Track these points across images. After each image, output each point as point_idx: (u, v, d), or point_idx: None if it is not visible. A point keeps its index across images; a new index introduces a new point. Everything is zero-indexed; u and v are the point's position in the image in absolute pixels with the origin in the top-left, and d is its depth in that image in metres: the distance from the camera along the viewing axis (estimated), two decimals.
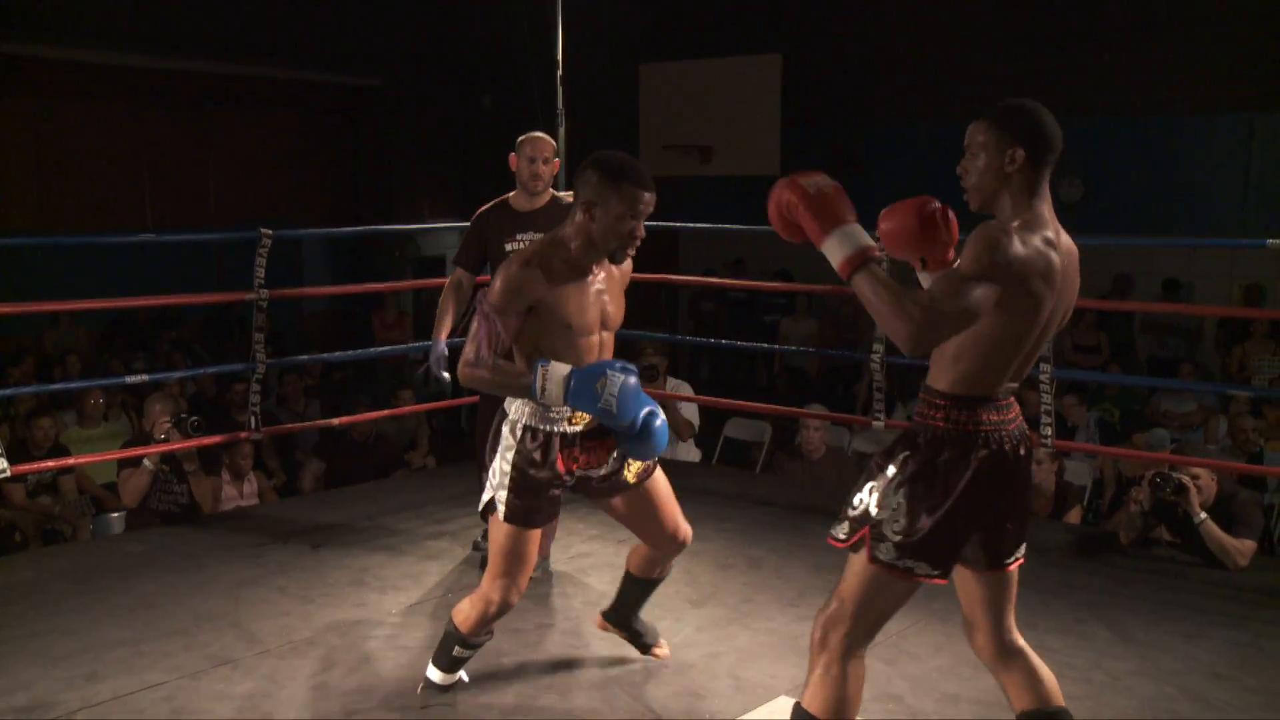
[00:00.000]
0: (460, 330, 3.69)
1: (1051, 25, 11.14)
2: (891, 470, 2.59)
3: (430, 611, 4.22)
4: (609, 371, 3.05)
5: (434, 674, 3.48)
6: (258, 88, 12.67)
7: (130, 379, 5.88)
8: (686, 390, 6.94)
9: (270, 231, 5.39)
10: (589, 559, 4.85)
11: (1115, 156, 11.08)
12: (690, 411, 6.82)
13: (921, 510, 2.54)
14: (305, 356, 7.62)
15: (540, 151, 4.56)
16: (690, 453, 6.95)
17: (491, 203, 4.66)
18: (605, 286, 3.24)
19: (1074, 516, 6.02)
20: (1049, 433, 5.24)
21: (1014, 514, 2.68)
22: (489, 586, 3.23)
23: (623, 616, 3.73)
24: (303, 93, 13.13)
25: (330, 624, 4.08)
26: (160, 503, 5.64)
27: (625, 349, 8.19)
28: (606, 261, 3.21)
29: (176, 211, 12.37)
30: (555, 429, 3.17)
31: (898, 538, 2.55)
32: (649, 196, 3.08)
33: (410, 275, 13.12)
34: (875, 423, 5.70)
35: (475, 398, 9.84)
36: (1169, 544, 5.04)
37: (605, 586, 4.47)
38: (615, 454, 3.26)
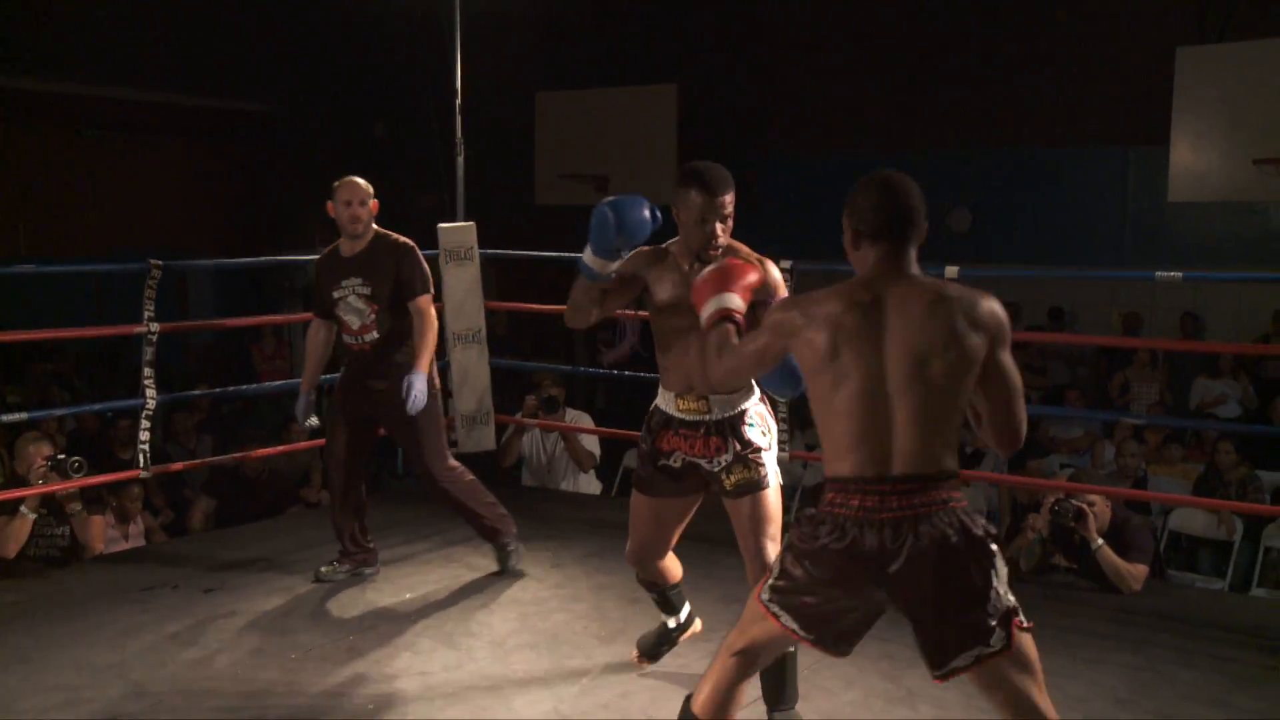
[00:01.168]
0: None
1: (937, 60, 11.40)
2: (790, 530, 2.67)
3: (330, 655, 4.06)
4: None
5: (665, 618, 3.89)
6: (142, 112, 12.34)
7: (7, 417, 5.58)
8: (586, 421, 6.87)
9: (160, 263, 5.19)
10: (491, 595, 4.72)
11: (1001, 187, 11.35)
12: (591, 443, 6.75)
13: (789, 565, 2.59)
14: (198, 391, 7.38)
15: (355, 195, 4.61)
16: (591, 484, 6.88)
17: (327, 249, 4.77)
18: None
19: None
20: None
21: (922, 612, 2.49)
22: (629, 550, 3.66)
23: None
24: (190, 118, 12.82)
25: (226, 672, 3.90)
26: (38, 548, 5.31)
27: (522, 380, 8.11)
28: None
29: (53, 240, 11.94)
30: (663, 408, 3.46)
31: (777, 583, 2.62)
32: (718, 200, 3.24)
33: (300, 306, 12.84)
34: (779, 453, 5.66)
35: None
36: (1066, 570, 5.10)
37: (509, 625, 4.35)
38: (720, 455, 3.36)
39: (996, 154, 11.34)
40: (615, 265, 3.35)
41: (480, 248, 6.26)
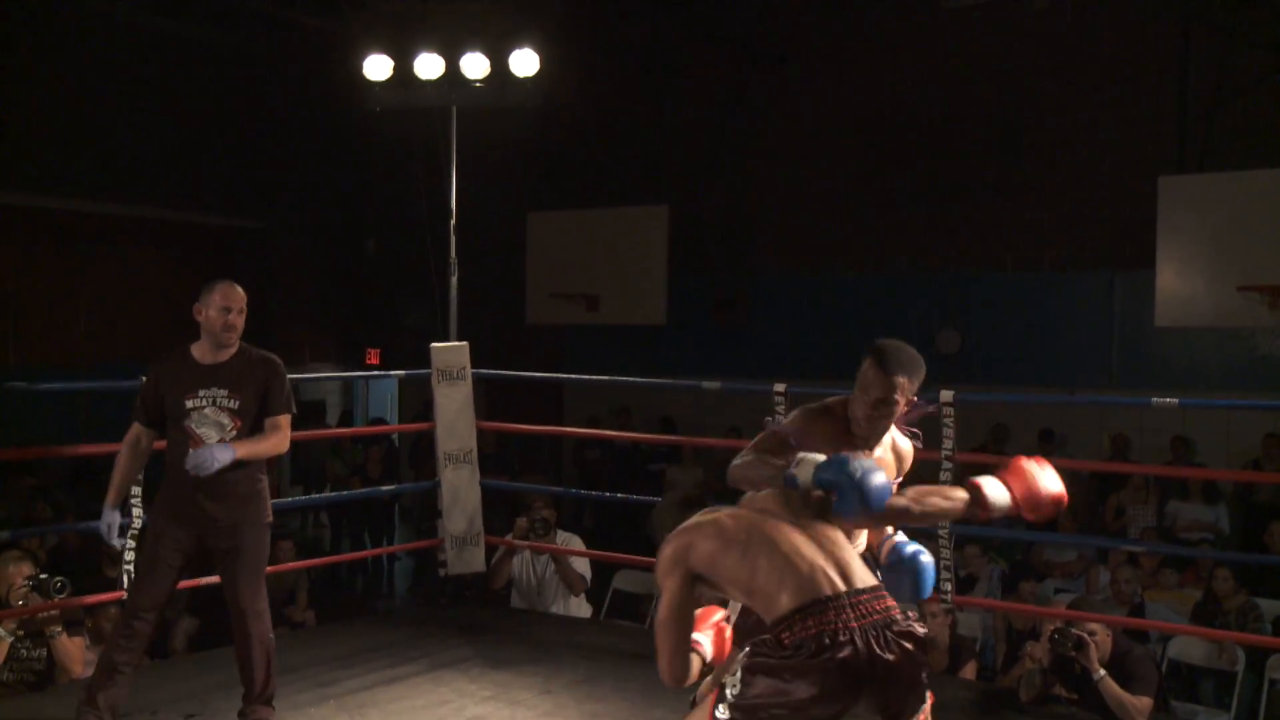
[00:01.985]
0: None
1: (926, 183, 11.59)
2: (750, 648, 2.84)
3: None
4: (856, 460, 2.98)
5: None
6: (132, 227, 12.43)
7: None
8: (577, 543, 6.79)
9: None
10: None
11: (989, 310, 11.44)
12: (582, 565, 6.66)
13: (754, 683, 2.74)
14: None
15: (236, 301, 4.30)
16: (582, 608, 6.76)
17: (170, 353, 4.36)
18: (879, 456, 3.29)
19: (969, 671, 5.96)
20: (949, 588, 5.22)
21: (887, 697, 2.75)
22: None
23: None
24: (180, 233, 12.92)
25: None
26: (13, 672, 5.16)
27: (509, 500, 8.04)
28: (893, 440, 3.36)
29: (43, 353, 11.91)
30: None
31: (739, 701, 2.76)
32: (889, 382, 3.17)
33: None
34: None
35: (357, 554, 9.50)
36: (1067, 700, 5.01)
37: None
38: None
39: (984, 277, 11.45)
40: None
41: (472, 367, 6.25)
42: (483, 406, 7.55)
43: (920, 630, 2.80)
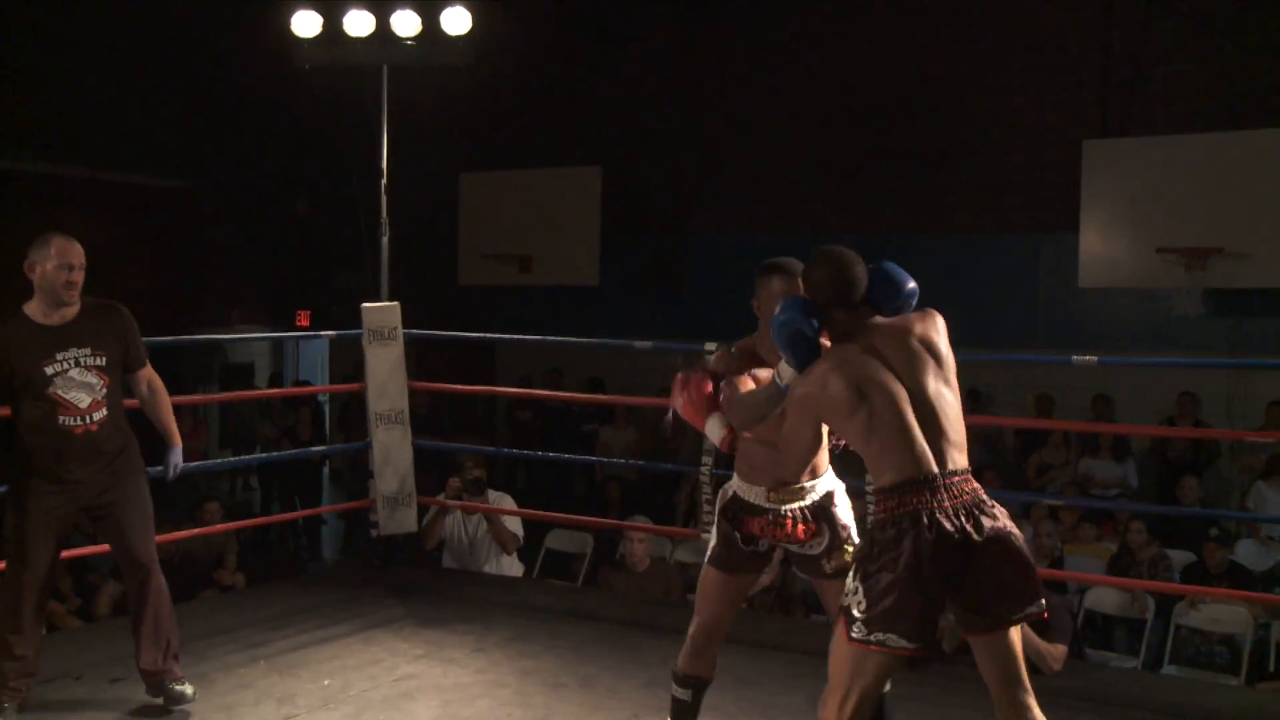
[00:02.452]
0: None
1: (858, 148, 11.67)
2: (857, 564, 2.97)
3: None
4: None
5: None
6: (56, 187, 12.14)
7: None
8: (509, 503, 6.82)
9: None
10: (413, 681, 4.63)
11: (918, 272, 11.52)
12: (514, 524, 6.69)
13: (875, 588, 2.85)
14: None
15: (77, 257, 4.04)
16: (514, 567, 6.80)
17: (9, 320, 4.04)
18: None
19: None
20: (707, 519, 5.35)
21: (989, 578, 2.86)
22: (693, 624, 3.67)
23: None
24: (106, 194, 12.65)
25: None
26: None
27: (443, 461, 8.04)
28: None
29: None
30: (748, 498, 3.55)
31: (863, 615, 2.87)
32: (796, 284, 3.41)
33: (217, 386, 12.66)
34: (704, 535, 5.66)
35: (288, 514, 9.41)
36: None
37: (431, 712, 4.28)
38: (815, 539, 3.51)
39: (915, 240, 11.57)
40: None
41: (403, 328, 6.22)
42: (415, 368, 7.53)
43: (1001, 515, 2.91)
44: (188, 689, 4.19)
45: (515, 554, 6.77)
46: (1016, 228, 11.14)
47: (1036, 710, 2.96)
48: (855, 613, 2.88)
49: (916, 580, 2.82)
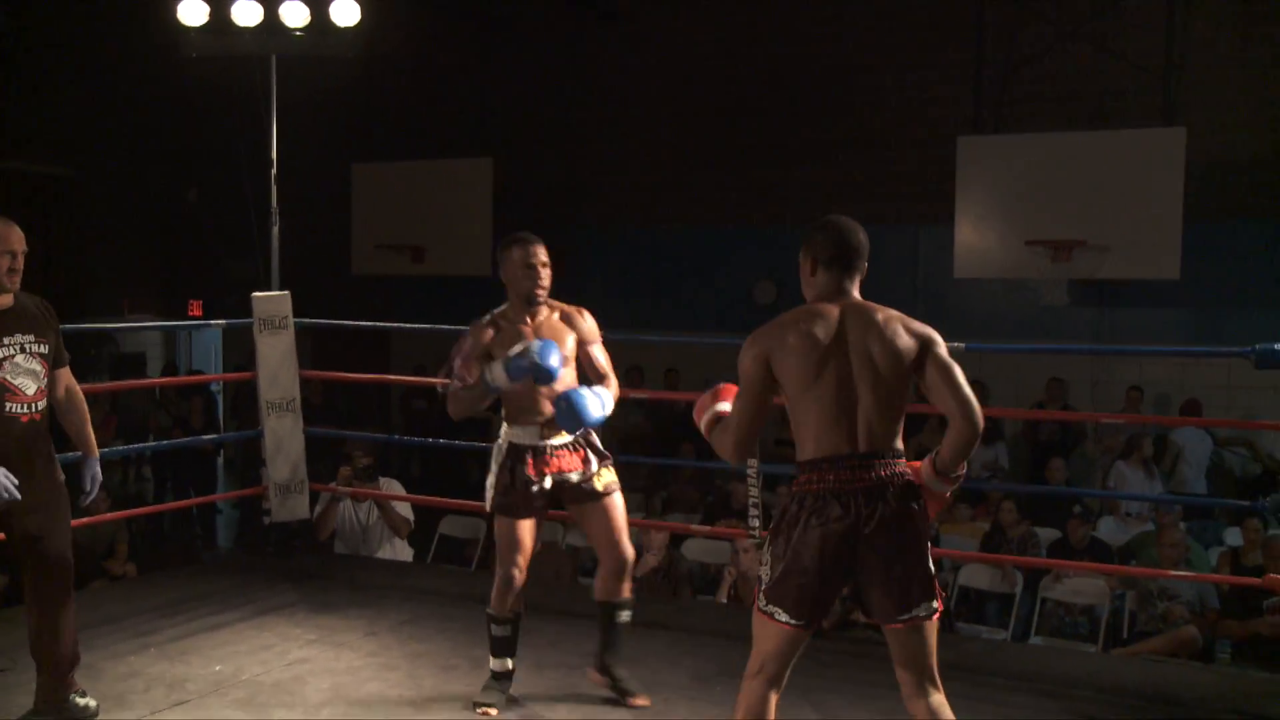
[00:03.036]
0: None
1: (743, 141, 11.84)
2: (768, 535, 3.06)
3: None
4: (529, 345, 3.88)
5: (491, 663, 4.22)
6: None
7: None
8: (398, 488, 6.82)
9: None
10: (305, 665, 4.62)
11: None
12: (405, 509, 6.69)
13: (776, 562, 2.96)
14: None
15: (20, 242, 3.87)
16: (405, 552, 6.80)
17: None
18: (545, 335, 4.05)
19: None
20: (755, 524, 5.43)
21: (878, 573, 2.92)
22: (497, 571, 4.10)
23: (603, 661, 4.23)
24: None
25: None
26: None
27: (339, 450, 7.97)
28: (547, 312, 4.14)
29: None
30: (525, 442, 4.04)
31: (765, 585, 2.98)
32: (534, 249, 4.05)
33: (107, 375, 12.35)
34: (751, 534, 5.69)
35: (177, 503, 9.25)
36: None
37: (323, 695, 4.28)
38: (586, 465, 4.08)
39: (794, 230, 11.74)
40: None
41: (296, 317, 6.18)
42: (311, 358, 7.46)
43: (916, 505, 2.95)
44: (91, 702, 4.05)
45: (407, 540, 6.77)
46: (897, 219, 11.39)
47: (940, 700, 3.01)
48: (763, 580, 2.98)
49: (808, 561, 2.89)
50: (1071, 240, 9.48)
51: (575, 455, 4.07)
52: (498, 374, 3.84)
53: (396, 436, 10.49)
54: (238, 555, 8.26)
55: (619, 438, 10.65)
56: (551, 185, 12.58)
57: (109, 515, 6.98)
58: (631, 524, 7.37)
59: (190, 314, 13.47)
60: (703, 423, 3.24)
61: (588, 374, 4.15)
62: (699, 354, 10.69)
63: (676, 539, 7.37)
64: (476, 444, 10.30)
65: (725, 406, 3.19)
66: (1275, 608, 6.02)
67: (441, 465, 11.18)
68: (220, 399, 12.36)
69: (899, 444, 3.00)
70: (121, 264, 13.55)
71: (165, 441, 10.52)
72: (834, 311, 3.04)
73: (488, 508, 4.12)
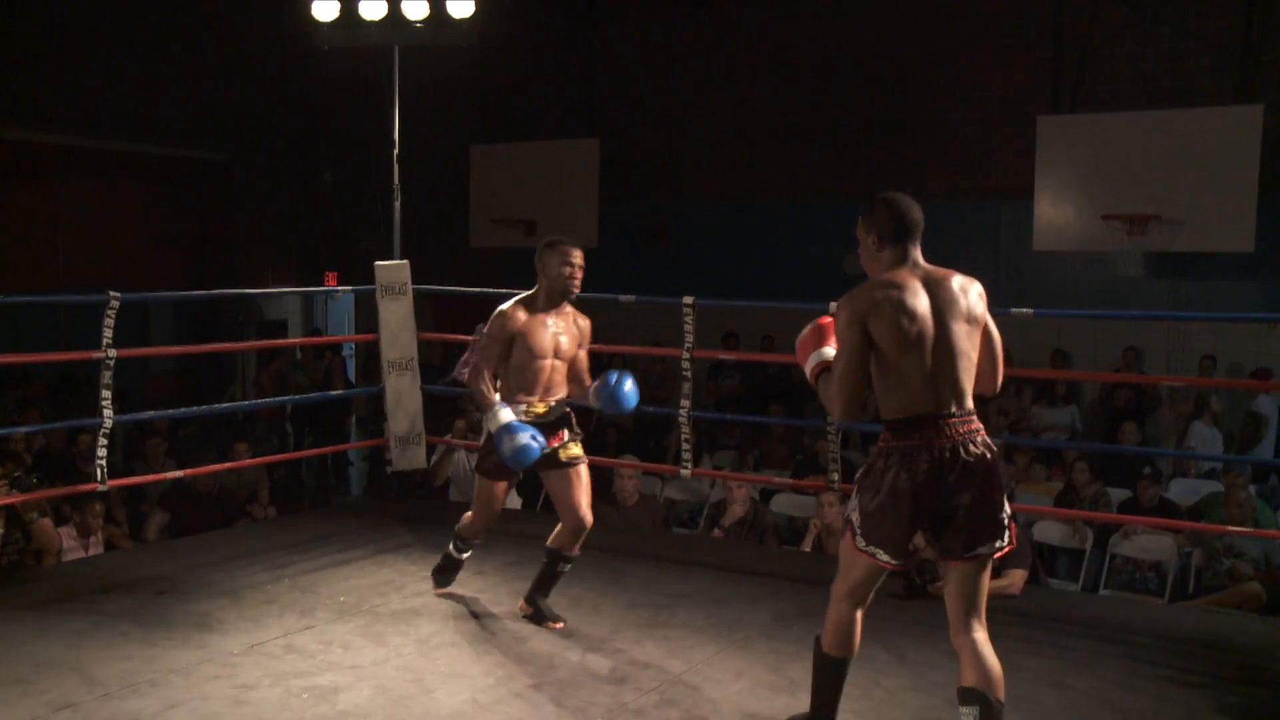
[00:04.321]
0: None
1: (832, 121, 11.71)
2: (856, 482, 3.13)
3: (270, 651, 4.08)
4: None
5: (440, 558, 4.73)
6: (106, 160, 12.19)
7: None
8: None
9: (118, 294, 5.17)
10: (419, 599, 4.76)
11: None
12: None
13: (867, 507, 3.05)
14: (152, 412, 7.32)
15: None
16: (513, 500, 6.90)
17: None
18: (560, 329, 4.33)
19: None
20: (835, 476, 5.43)
21: (957, 514, 2.97)
22: (470, 517, 4.57)
23: (533, 595, 4.49)
24: (150, 165, 12.69)
25: (173, 666, 3.91)
26: (2, 556, 5.27)
27: (454, 406, 8.13)
28: (567, 307, 4.36)
29: (25, 277, 11.71)
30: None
31: (859, 527, 3.08)
32: (576, 253, 4.25)
33: (254, 336, 12.76)
34: (683, 471, 5.78)
35: (314, 450, 9.52)
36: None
37: (434, 625, 4.39)
38: (562, 440, 4.32)
39: None
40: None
41: (417, 285, 6.32)
42: (431, 324, 7.60)
43: (990, 455, 3.00)
44: None
45: (515, 489, 6.87)
46: (978, 195, 11.17)
47: (983, 637, 3.05)
48: (854, 522, 3.07)
49: (899, 508, 2.97)
50: (1147, 215, 9.20)
51: (556, 432, 4.31)
52: (491, 421, 4.16)
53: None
54: (364, 501, 8.49)
55: (715, 399, 10.67)
56: (653, 164, 12.61)
57: (252, 461, 7.26)
58: (716, 476, 7.47)
59: (325, 284, 13.78)
60: (809, 367, 3.22)
61: (575, 369, 4.39)
62: (792, 319, 10.62)
63: (766, 494, 7.39)
64: (580, 402, 10.53)
65: (830, 352, 3.18)
66: None
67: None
68: (352, 362, 12.68)
69: (973, 402, 3.04)
70: (266, 240, 13.93)
71: (299, 396, 10.84)
72: (917, 280, 3.03)
73: (474, 468, 4.47)
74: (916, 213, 3.11)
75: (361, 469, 11.28)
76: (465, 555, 4.69)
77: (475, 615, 4.57)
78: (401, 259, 6.46)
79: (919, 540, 3.21)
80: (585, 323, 4.43)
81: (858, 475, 3.13)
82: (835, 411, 3.09)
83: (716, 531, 6.39)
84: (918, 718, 3.68)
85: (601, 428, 10.33)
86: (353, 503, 8.75)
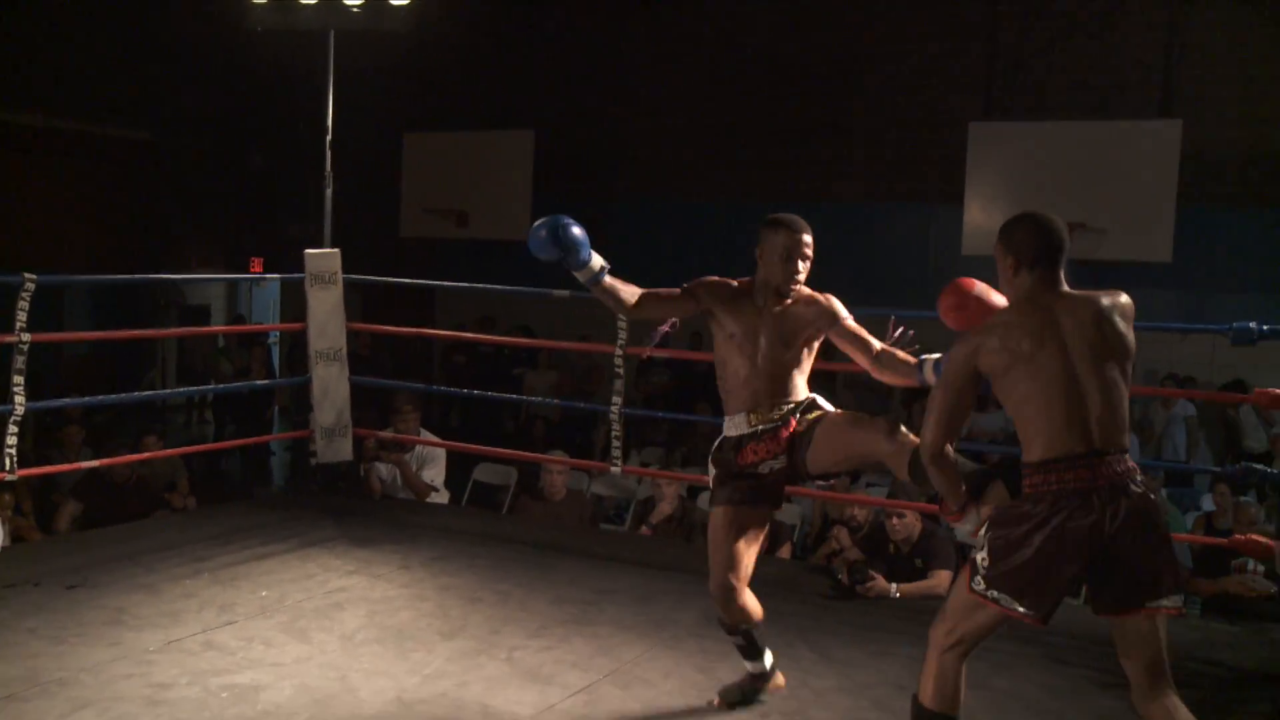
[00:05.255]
0: None
1: (765, 122, 11.78)
2: (989, 520, 2.82)
3: (188, 648, 3.96)
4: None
5: (749, 665, 3.64)
6: (26, 136, 11.81)
7: None
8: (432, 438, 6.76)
9: (33, 276, 4.99)
10: (343, 593, 4.67)
11: (823, 236, 11.61)
12: (433, 472, 6.53)
13: (1003, 553, 2.72)
14: (67, 399, 7.08)
15: None
16: (440, 495, 6.81)
17: None
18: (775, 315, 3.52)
19: (784, 552, 6.20)
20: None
21: (1121, 564, 2.68)
22: (712, 580, 3.49)
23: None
24: (73, 143, 12.33)
25: (83, 664, 3.77)
26: None
27: (384, 399, 8.01)
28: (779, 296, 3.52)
29: None
30: (735, 433, 3.49)
31: (985, 571, 2.75)
32: (801, 238, 3.47)
33: (175, 322, 12.47)
34: (613, 468, 5.74)
35: (236, 441, 9.27)
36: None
37: (359, 621, 4.32)
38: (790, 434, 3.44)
39: (819, 207, 11.69)
40: (595, 263, 3.59)
41: (347, 274, 6.19)
42: (360, 314, 7.46)
43: (1154, 496, 2.72)
44: None
45: (442, 485, 6.76)
46: (910, 198, 11.31)
47: (1176, 701, 2.74)
48: (979, 565, 2.76)
49: (1046, 558, 2.67)
50: (1071, 223, 9.33)
51: (774, 439, 3.48)
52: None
53: (437, 388, 10.51)
54: (286, 493, 8.32)
55: (643, 395, 10.65)
56: (588, 158, 12.56)
57: (170, 452, 7.07)
58: (648, 474, 7.44)
59: (251, 271, 13.55)
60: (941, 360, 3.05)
61: (856, 349, 3.55)
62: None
63: (694, 490, 7.38)
64: (508, 396, 10.47)
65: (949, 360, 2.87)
66: (1241, 567, 5.98)
67: (478, 416, 11.23)
68: (276, 351, 12.46)
69: (1127, 439, 2.76)
70: (191, 223, 13.63)
71: (219, 385, 10.62)
72: (1047, 309, 2.75)
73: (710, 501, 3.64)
74: (1062, 232, 2.81)
75: (283, 460, 11.09)
76: (742, 634, 3.63)
77: (400, 609, 4.49)
78: (332, 247, 6.33)
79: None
80: (833, 303, 3.65)
81: (993, 515, 2.82)
82: (924, 440, 2.82)
83: (644, 528, 6.36)
84: (845, 718, 3.68)
85: (529, 421, 10.27)
86: (274, 494, 8.57)
